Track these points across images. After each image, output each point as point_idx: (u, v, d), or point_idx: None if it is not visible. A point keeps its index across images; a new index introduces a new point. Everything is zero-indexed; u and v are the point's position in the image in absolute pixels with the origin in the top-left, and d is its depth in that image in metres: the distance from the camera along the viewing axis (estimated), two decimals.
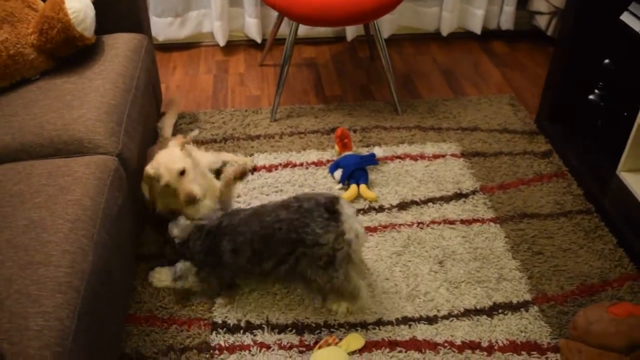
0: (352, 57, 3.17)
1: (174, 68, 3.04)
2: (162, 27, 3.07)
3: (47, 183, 1.58)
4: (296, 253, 1.75)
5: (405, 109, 2.76)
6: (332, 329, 1.85)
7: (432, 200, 2.31)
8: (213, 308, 1.90)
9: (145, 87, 2.13)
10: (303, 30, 3.12)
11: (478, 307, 1.92)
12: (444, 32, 3.26)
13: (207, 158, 2.29)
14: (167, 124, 2.44)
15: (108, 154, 1.74)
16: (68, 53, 2.01)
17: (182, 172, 1.94)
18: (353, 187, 2.30)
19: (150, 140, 2.29)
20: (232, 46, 3.24)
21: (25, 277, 1.33)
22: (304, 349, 1.80)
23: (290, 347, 1.81)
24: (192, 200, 1.94)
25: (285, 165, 2.45)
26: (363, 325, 1.87)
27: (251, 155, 2.49)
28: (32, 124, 1.76)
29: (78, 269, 1.39)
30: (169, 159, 1.95)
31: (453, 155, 2.51)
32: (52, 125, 1.76)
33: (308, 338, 1.83)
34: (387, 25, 3.19)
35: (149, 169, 1.95)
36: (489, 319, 1.89)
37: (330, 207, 1.74)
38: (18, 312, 1.27)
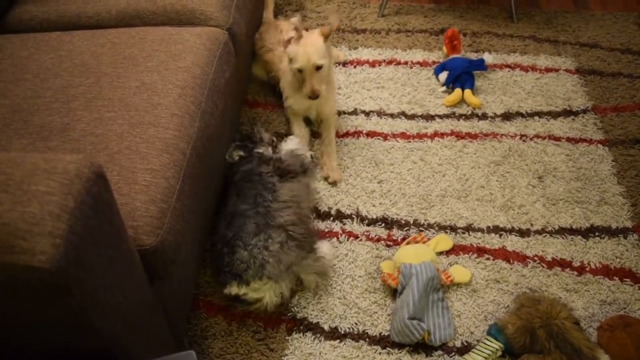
0: None
1: None
2: None
3: (159, 49, 1.60)
4: None
5: (521, 17, 2.59)
6: (421, 228, 1.86)
7: (539, 114, 2.19)
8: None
9: None
10: None
11: (574, 227, 1.86)
12: None
13: None
14: (269, 5, 2.40)
15: (219, 27, 1.74)
16: None
17: (319, 68, 1.93)
18: (457, 91, 2.22)
19: (258, 20, 2.28)
20: None
21: (136, 135, 1.38)
22: (391, 243, 1.82)
23: (378, 240, 1.83)
24: (314, 97, 1.94)
25: (390, 62, 2.38)
26: (453, 229, 1.86)
27: (355, 49, 2.44)
28: None
29: (185, 133, 1.42)
30: (313, 50, 1.91)
31: (567, 70, 2.36)
32: None
33: (396, 233, 1.85)
34: None
35: (292, 47, 1.93)
36: (584, 240, 1.83)
37: None
38: (127, 166, 1.32)
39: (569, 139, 2.11)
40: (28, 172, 0.97)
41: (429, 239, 1.82)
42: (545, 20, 2.58)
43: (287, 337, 1.62)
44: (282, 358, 1.58)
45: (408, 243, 1.80)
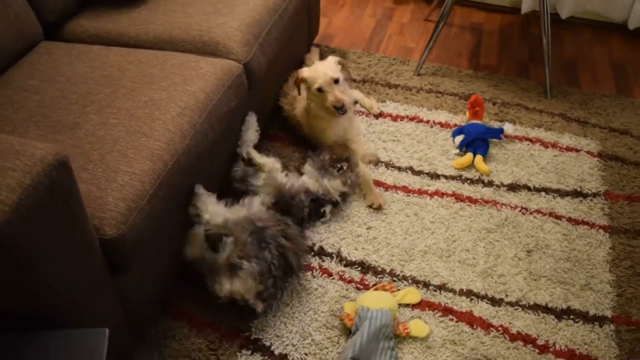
0: (521, 31, 3.03)
1: (342, 5, 3.16)
2: None
3: (176, 72, 1.80)
4: None
5: (557, 94, 2.61)
6: (394, 278, 1.91)
7: (547, 190, 2.19)
8: None
9: (295, 13, 2.27)
10: None
11: (549, 306, 1.84)
12: (632, 25, 2.96)
13: None
14: (313, 58, 2.58)
15: (236, 61, 1.92)
16: None
17: (336, 81, 2.12)
18: (469, 155, 2.27)
19: (290, 63, 2.45)
20: None
21: (129, 142, 1.56)
22: (362, 286, 1.88)
23: (350, 282, 1.90)
24: (339, 106, 2.10)
25: (412, 119, 2.47)
26: (426, 284, 1.89)
27: (383, 102, 2.55)
28: (184, 21, 2.00)
29: (172, 147, 1.59)
30: (326, 67, 2.14)
31: (589, 152, 2.34)
32: (199, 26, 1.98)
33: (370, 279, 1.91)
34: (569, 4, 2.97)
35: (305, 71, 2.16)
36: (556, 320, 1.80)
37: None
38: (113, 166, 1.50)
39: (570, 219, 2.09)
40: (3, 150, 1.17)
41: (398, 289, 1.87)
42: (581, 100, 2.58)
43: (237, 353, 1.71)
44: None
45: (376, 289, 1.85)
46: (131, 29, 2.03)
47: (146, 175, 1.52)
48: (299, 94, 2.22)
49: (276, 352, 1.72)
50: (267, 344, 1.74)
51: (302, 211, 1.99)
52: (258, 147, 2.30)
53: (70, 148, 1.56)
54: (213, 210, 1.76)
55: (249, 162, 2.00)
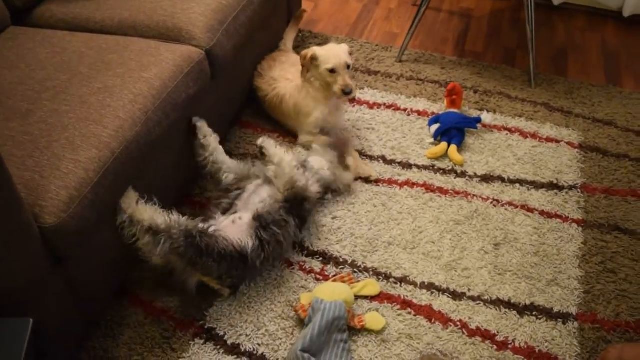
0: (512, 18, 2.94)
1: None
2: None
3: (134, 58, 1.78)
4: None
5: (542, 83, 2.53)
6: (355, 270, 1.88)
7: (521, 182, 2.14)
8: None
9: None
10: None
11: (512, 301, 1.80)
12: (627, 12, 2.86)
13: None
14: (289, 36, 2.54)
15: (198, 47, 1.89)
16: None
17: (348, 66, 2.15)
18: (443, 145, 2.22)
19: (265, 48, 2.42)
20: None
21: (77, 129, 1.55)
22: (321, 277, 1.86)
23: (310, 272, 1.87)
24: (348, 91, 2.12)
25: (389, 107, 2.43)
26: (387, 277, 1.86)
27: (362, 89, 2.50)
28: (150, 7, 1.98)
29: (121, 135, 1.57)
30: (340, 50, 2.16)
31: (569, 143, 2.27)
32: (163, 11, 1.95)
33: (330, 270, 1.88)
34: None
35: (317, 49, 2.16)
36: (518, 316, 1.76)
37: None
38: (58, 154, 1.49)
39: (543, 212, 2.04)
40: None
41: (358, 280, 1.84)
42: (566, 90, 2.50)
43: (190, 342, 1.71)
44: (179, 359, 1.67)
45: (334, 280, 1.83)
46: (97, 14, 2.01)
47: (91, 163, 1.51)
48: (307, 71, 2.18)
49: (229, 342, 1.71)
50: (221, 333, 1.73)
51: (309, 214, 1.98)
52: (230, 134, 2.29)
53: (20, 135, 1.55)
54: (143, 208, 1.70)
55: (261, 152, 1.95)
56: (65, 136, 1.55)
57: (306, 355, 1.60)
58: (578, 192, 2.10)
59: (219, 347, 1.70)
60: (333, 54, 2.15)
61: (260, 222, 1.78)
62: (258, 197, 1.87)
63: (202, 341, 1.71)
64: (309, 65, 2.18)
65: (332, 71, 2.13)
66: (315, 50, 2.17)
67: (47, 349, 1.54)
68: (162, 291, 1.82)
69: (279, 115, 2.31)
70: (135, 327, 1.74)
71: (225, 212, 1.86)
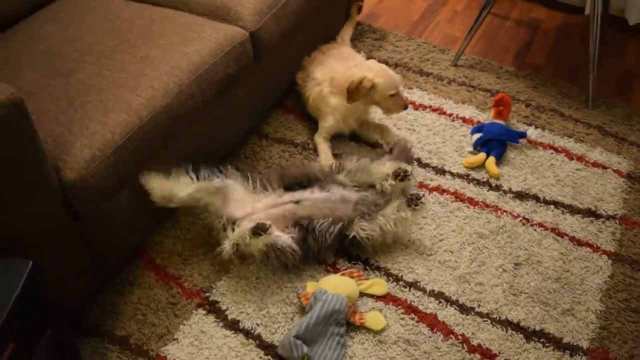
0: (582, 33, 2.81)
1: None
2: None
3: (178, 32, 1.83)
4: None
5: (600, 104, 2.41)
6: (367, 267, 1.87)
7: (557, 204, 2.05)
8: None
9: None
10: None
11: (521, 324, 1.74)
12: None
13: None
14: (347, 31, 2.53)
15: (243, 28, 1.92)
16: None
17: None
18: (481, 155, 2.16)
19: (319, 38, 2.43)
20: None
21: (111, 93, 1.62)
22: (331, 269, 1.86)
23: (322, 263, 1.88)
24: (406, 107, 2.14)
25: (435, 110, 2.38)
26: (398, 279, 1.84)
27: (410, 89, 2.47)
28: None
29: (152, 104, 1.63)
30: (392, 72, 2.14)
31: (617, 171, 2.16)
32: None
33: (342, 264, 1.88)
34: (639, 10, 2.71)
35: (373, 77, 2.08)
36: (524, 340, 1.70)
37: None
38: (89, 114, 1.56)
39: (573, 239, 1.95)
40: None
41: (366, 278, 1.83)
42: (626, 115, 2.37)
43: (193, 311, 1.76)
44: (179, 325, 1.72)
45: (343, 274, 1.83)
46: None
47: (118, 127, 1.57)
48: (355, 99, 2.11)
49: (229, 317, 1.74)
50: (224, 307, 1.77)
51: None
52: (271, 117, 2.32)
53: (58, 92, 1.63)
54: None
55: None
56: (99, 98, 1.62)
57: (299, 342, 1.62)
58: (616, 222, 2.00)
59: (219, 320, 1.74)
60: (391, 79, 2.10)
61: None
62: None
63: (204, 312, 1.76)
64: (367, 92, 2.10)
65: (392, 95, 2.11)
66: (372, 78, 2.07)
67: (59, 296, 1.63)
68: (177, 259, 1.89)
69: (310, 111, 2.32)
70: (144, 289, 1.81)
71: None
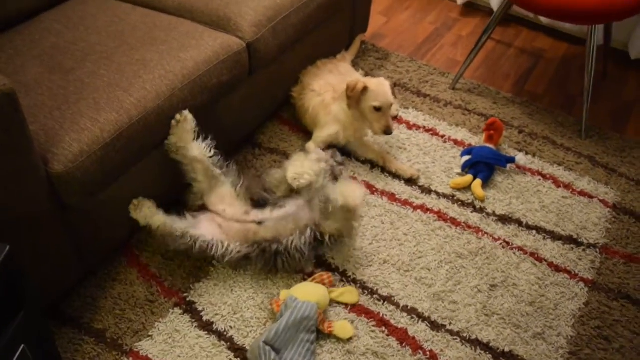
0: (584, 64, 2.81)
1: (407, 8, 3.12)
2: None
3: (177, 39, 1.91)
4: None
5: (594, 135, 2.42)
6: (344, 278, 1.90)
7: (539, 229, 2.07)
8: None
9: (329, 4, 2.29)
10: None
11: (490, 345, 1.75)
12: None
13: None
14: (351, 52, 2.59)
15: (241, 39, 1.99)
16: None
17: (391, 106, 2.15)
18: (468, 177, 2.19)
19: (318, 54, 2.48)
20: (472, 9, 3.18)
21: (105, 92, 1.69)
22: (307, 277, 1.90)
23: (300, 272, 1.91)
24: (388, 133, 2.14)
25: (428, 131, 2.42)
26: (372, 292, 1.87)
27: (406, 108, 2.51)
28: None
29: (142, 105, 1.70)
30: (387, 88, 2.14)
31: (603, 201, 2.17)
32: (220, 0, 2.07)
33: (318, 272, 1.92)
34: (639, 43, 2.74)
35: (370, 82, 2.14)
36: None
37: None
38: (82, 111, 1.63)
39: (551, 264, 1.96)
40: None
41: (338, 286, 1.86)
42: (618, 147, 2.38)
43: (170, 310, 1.80)
44: (155, 323, 1.77)
45: (314, 279, 1.86)
46: None
47: (108, 125, 1.64)
48: (353, 105, 2.15)
49: (204, 318, 1.79)
50: (200, 308, 1.81)
51: None
52: (266, 127, 2.37)
53: (57, 88, 1.71)
54: None
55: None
56: (93, 97, 1.69)
57: (268, 347, 1.65)
58: (596, 251, 2.00)
59: (194, 320, 1.78)
60: (382, 91, 2.10)
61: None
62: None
63: (180, 311, 1.80)
64: (359, 97, 2.13)
65: (377, 109, 2.12)
66: (368, 82, 2.12)
67: (39, 283, 1.68)
68: (160, 259, 1.94)
69: (307, 122, 2.37)
70: (125, 285, 1.86)
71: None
